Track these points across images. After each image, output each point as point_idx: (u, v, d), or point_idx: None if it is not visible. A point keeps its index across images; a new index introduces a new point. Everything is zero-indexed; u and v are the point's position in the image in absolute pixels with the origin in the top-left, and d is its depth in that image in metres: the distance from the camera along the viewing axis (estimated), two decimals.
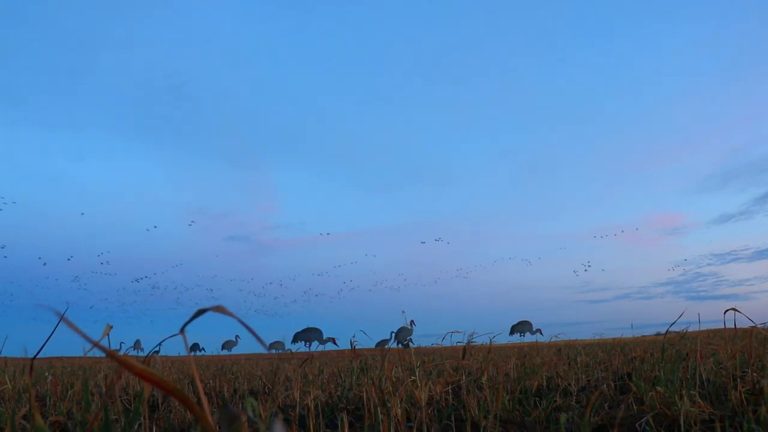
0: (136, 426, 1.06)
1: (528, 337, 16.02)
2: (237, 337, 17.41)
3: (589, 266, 16.25)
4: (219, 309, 0.49)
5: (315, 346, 15.54)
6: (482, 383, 2.24)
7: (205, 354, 16.43)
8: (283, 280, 18.76)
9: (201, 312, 0.49)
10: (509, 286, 21.95)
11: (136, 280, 18.00)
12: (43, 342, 0.85)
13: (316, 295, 18.38)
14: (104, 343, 1.42)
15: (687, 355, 2.21)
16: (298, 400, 1.87)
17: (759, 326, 2.05)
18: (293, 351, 15.23)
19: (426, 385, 1.69)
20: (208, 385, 2.92)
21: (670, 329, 2.15)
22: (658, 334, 10.16)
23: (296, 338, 15.80)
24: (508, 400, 1.79)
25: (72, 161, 21.06)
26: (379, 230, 23.58)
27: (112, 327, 1.17)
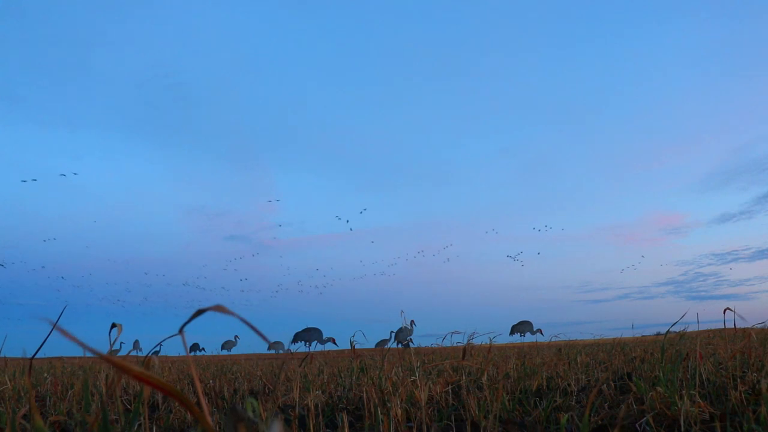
0: (135, 426, 1.06)
1: (528, 337, 16.03)
2: (236, 337, 17.42)
3: (521, 255, 16.30)
4: (219, 308, 0.49)
5: (315, 346, 15.56)
6: (482, 383, 2.24)
7: (205, 354, 16.44)
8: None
9: (200, 312, 0.49)
10: (509, 287, 21.95)
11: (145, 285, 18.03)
12: (42, 342, 0.85)
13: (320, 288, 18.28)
14: (105, 342, 1.42)
15: (687, 355, 2.21)
16: (298, 400, 1.87)
17: (756, 326, 2.05)
18: (293, 351, 15.25)
19: (426, 385, 1.69)
20: (207, 385, 2.92)
21: (671, 329, 2.15)
22: (658, 334, 10.17)
23: (296, 338, 15.80)
24: (508, 400, 1.79)
25: (70, 160, 21.03)
26: (379, 230, 23.57)
27: (122, 327, 1.17)
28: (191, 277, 18.67)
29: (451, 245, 18.26)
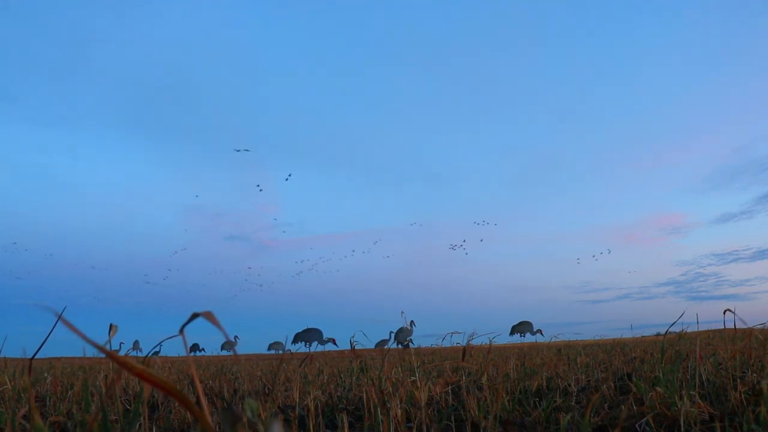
0: (136, 426, 1.06)
1: (528, 338, 16.03)
2: (236, 337, 17.42)
3: (464, 243, 16.27)
4: (207, 315, 0.51)
5: (315, 347, 15.56)
6: (482, 384, 2.24)
7: (205, 354, 16.46)
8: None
9: (195, 316, 0.51)
10: (509, 287, 21.95)
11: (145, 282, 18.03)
12: (42, 342, 0.85)
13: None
14: (104, 343, 1.42)
15: (687, 355, 2.21)
16: (298, 400, 1.87)
17: (757, 327, 2.05)
18: (293, 351, 15.26)
19: (426, 385, 1.69)
20: (207, 385, 2.92)
21: (670, 330, 2.15)
22: (658, 335, 10.17)
23: (296, 339, 15.81)
24: (508, 401, 1.79)
25: (68, 159, 21.00)
26: (379, 230, 23.60)
27: (117, 327, 1.17)
28: (191, 277, 18.68)
29: (380, 240, 18.21)
